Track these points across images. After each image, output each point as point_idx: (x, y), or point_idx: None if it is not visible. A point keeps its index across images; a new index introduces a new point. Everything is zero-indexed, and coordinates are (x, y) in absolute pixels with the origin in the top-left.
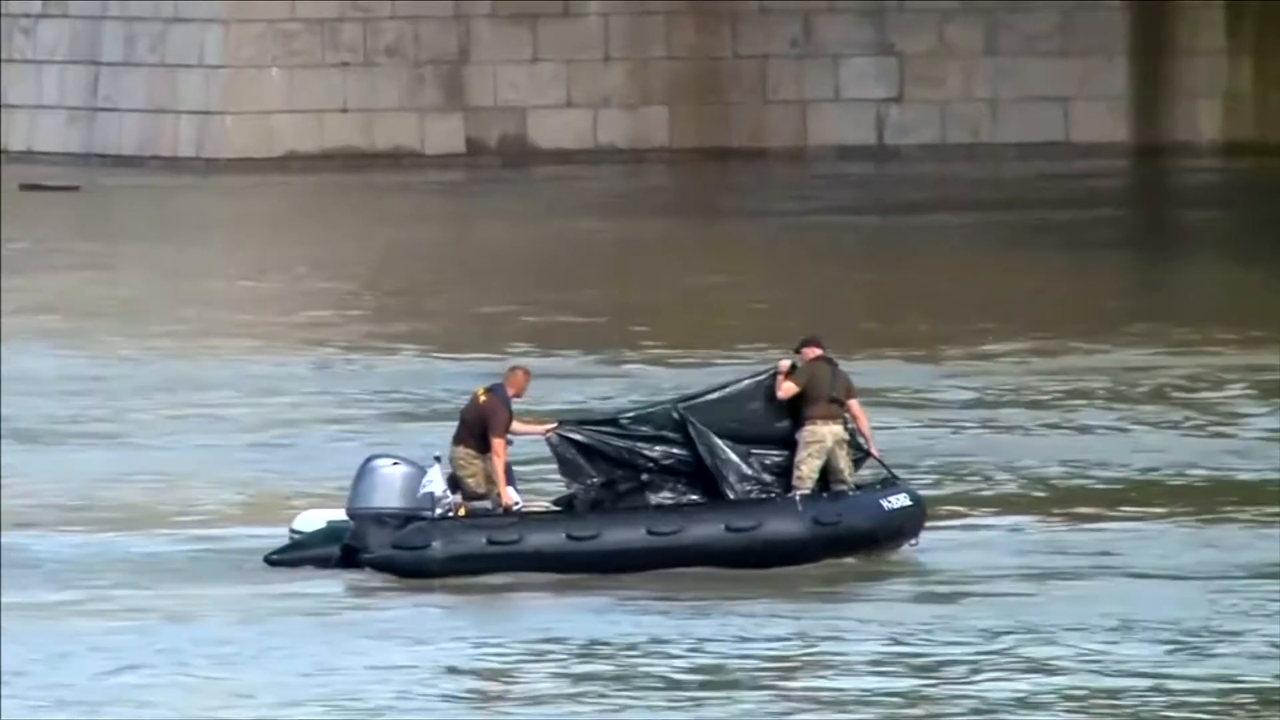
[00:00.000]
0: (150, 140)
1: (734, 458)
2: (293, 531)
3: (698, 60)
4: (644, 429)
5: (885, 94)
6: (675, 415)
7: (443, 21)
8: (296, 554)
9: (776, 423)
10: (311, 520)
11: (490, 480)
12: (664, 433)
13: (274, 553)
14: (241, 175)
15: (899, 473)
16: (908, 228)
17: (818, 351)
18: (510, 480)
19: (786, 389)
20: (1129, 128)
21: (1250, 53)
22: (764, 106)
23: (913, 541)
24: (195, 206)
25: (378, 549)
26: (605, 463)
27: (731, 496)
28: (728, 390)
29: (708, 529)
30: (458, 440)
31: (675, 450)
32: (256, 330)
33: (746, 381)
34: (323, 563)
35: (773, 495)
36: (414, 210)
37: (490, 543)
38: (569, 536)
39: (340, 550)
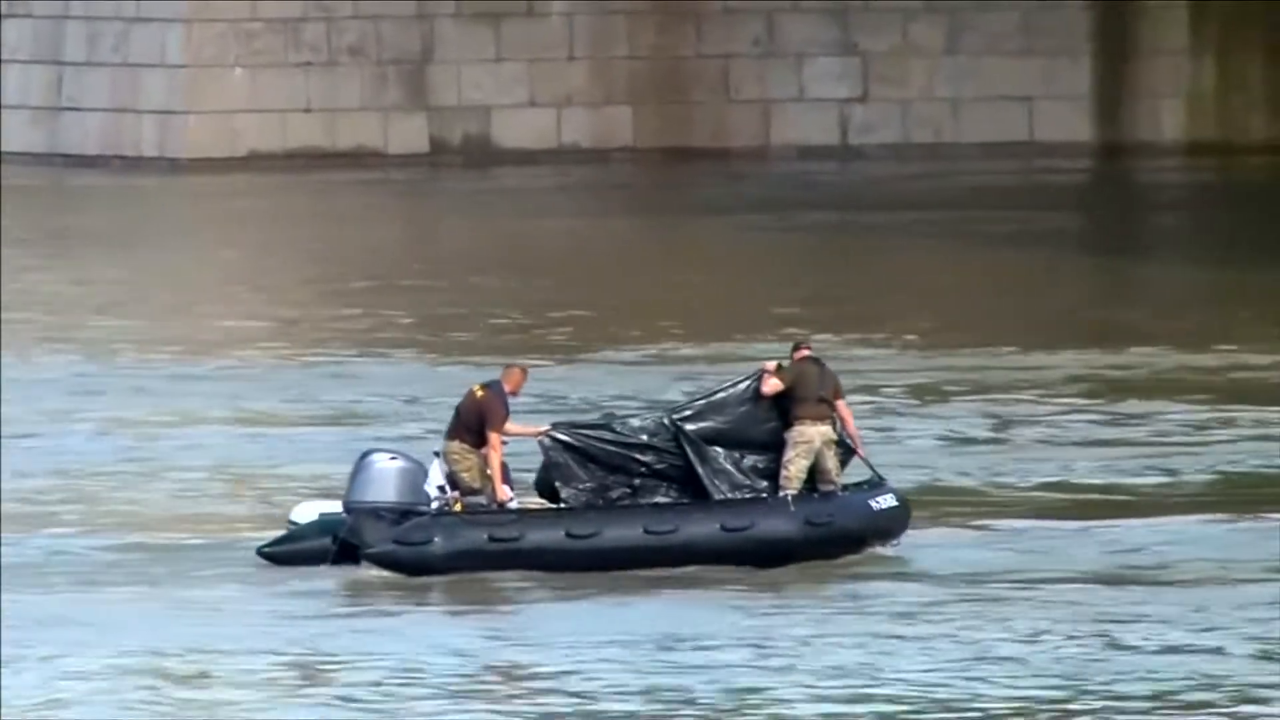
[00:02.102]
0: (113, 140)
1: (727, 466)
2: (290, 523)
3: (661, 59)
4: (636, 435)
5: (848, 93)
6: (667, 424)
7: (406, 21)
8: (289, 547)
9: (767, 424)
10: (310, 512)
11: (484, 475)
12: (656, 438)
13: (266, 545)
14: (204, 175)
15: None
16: (868, 227)
17: (806, 352)
18: (506, 476)
19: (772, 385)
20: (1092, 127)
21: (1213, 53)
22: (727, 106)
23: (894, 542)
24: (151, 209)
25: (379, 544)
26: (597, 467)
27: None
28: (718, 395)
29: (703, 528)
30: (451, 435)
31: (667, 455)
32: (216, 330)
33: (742, 384)
34: (318, 557)
35: (764, 495)
36: (377, 210)
37: (492, 540)
38: (569, 534)
39: (337, 544)
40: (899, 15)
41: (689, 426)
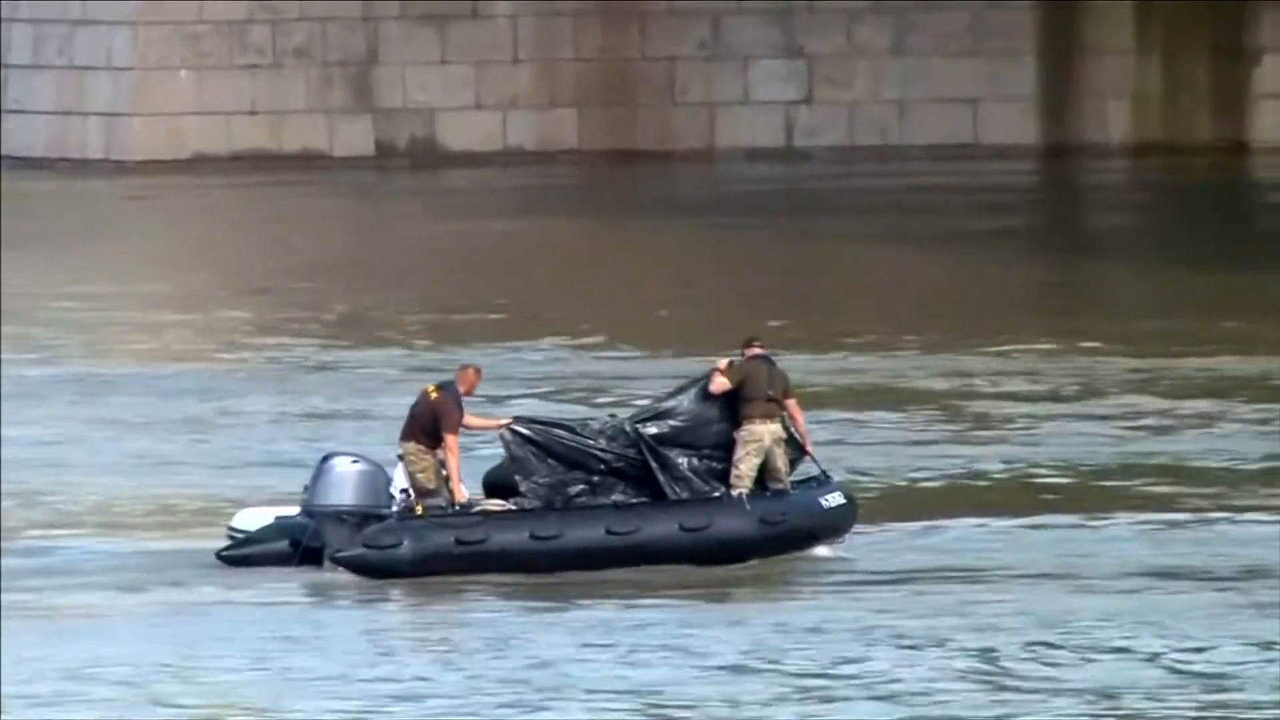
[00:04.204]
0: (58, 143)
1: (688, 474)
2: (231, 530)
3: (606, 62)
4: (597, 438)
5: (794, 96)
6: (628, 430)
7: (351, 23)
8: (249, 550)
9: (720, 424)
10: (251, 518)
11: (440, 476)
12: (616, 442)
13: (225, 549)
14: (150, 177)
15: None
16: (813, 230)
17: (757, 350)
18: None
19: (719, 384)
20: (1038, 128)
21: (1159, 53)
22: (672, 108)
23: (840, 540)
24: (92, 212)
25: (348, 547)
26: (557, 463)
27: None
28: (673, 397)
29: (663, 528)
30: (407, 436)
31: (627, 454)
32: (158, 333)
33: (695, 384)
34: (277, 560)
35: (719, 494)
36: (323, 212)
37: (459, 543)
38: (533, 536)
39: (300, 547)
40: (844, 17)
41: (648, 430)
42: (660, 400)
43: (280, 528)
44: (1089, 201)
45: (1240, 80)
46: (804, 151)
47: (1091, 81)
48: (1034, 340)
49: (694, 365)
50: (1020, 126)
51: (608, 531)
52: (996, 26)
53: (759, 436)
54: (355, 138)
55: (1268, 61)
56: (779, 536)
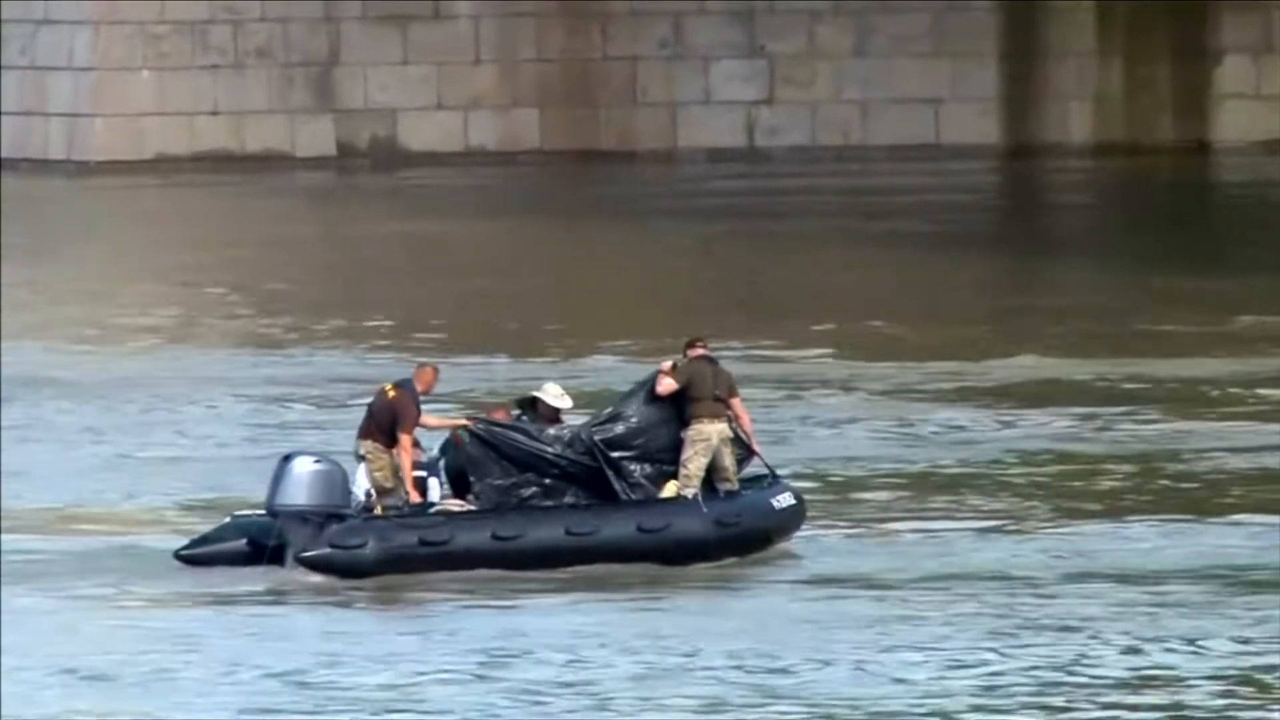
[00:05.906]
0: (20, 143)
1: (642, 480)
2: None
3: (568, 62)
4: (552, 442)
5: (755, 96)
6: (584, 437)
7: (312, 23)
8: (206, 549)
9: (669, 425)
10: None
11: (396, 475)
12: (572, 444)
13: (183, 548)
14: (112, 177)
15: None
16: (773, 231)
17: (700, 350)
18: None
19: (666, 385)
20: (1000, 129)
21: (1120, 54)
22: (634, 108)
23: (787, 539)
24: (46, 213)
25: (313, 547)
26: (511, 465)
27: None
28: (625, 403)
29: (621, 528)
30: (364, 434)
31: (581, 460)
32: (108, 332)
33: (643, 387)
34: (236, 559)
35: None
36: (284, 212)
37: (422, 543)
38: (494, 536)
39: (267, 549)
40: (806, 17)
41: (603, 436)
42: (615, 406)
43: (238, 527)
44: (1048, 202)
45: (1201, 81)
46: (766, 152)
47: (1053, 82)
48: (934, 343)
49: (644, 367)
50: (982, 127)
51: (567, 532)
52: (958, 28)
53: (707, 436)
54: (317, 138)
55: (1228, 62)
56: (733, 538)
